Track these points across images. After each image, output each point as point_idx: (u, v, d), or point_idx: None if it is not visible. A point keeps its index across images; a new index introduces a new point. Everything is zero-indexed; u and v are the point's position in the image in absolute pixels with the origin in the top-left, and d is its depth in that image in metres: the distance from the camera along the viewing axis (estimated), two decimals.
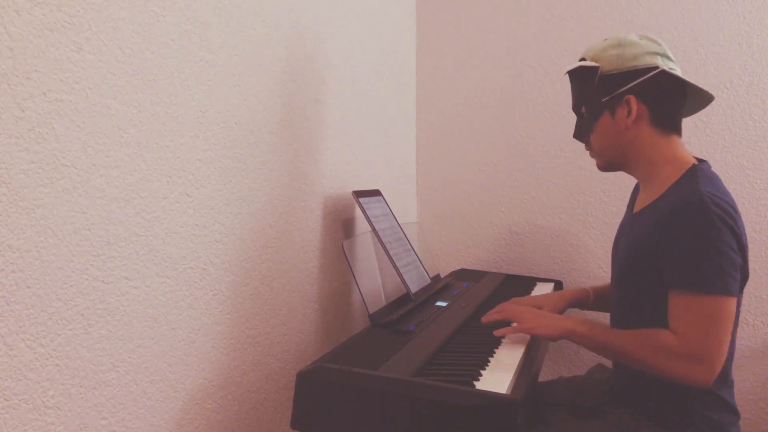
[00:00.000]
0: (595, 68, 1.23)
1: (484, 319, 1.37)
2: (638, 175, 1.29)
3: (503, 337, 1.29)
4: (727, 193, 1.15)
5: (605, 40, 1.27)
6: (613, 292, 1.32)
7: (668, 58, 1.22)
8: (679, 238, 1.09)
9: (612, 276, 1.33)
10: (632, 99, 1.20)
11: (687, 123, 1.27)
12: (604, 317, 1.84)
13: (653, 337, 1.11)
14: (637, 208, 1.29)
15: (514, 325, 1.29)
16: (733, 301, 1.09)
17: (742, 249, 1.11)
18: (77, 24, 0.86)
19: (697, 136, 1.98)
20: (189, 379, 1.11)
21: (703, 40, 1.97)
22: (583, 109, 1.29)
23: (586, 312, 1.63)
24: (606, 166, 1.31)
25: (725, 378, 1.17)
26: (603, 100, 1.23)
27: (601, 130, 1.26)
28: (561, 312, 1.55)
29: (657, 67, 1.19)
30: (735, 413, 1.19)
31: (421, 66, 2.30)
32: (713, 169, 1.23)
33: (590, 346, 1.20)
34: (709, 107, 1.84)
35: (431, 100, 2.29)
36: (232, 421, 1.24)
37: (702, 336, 1.07)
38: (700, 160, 1.24)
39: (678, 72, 1.22)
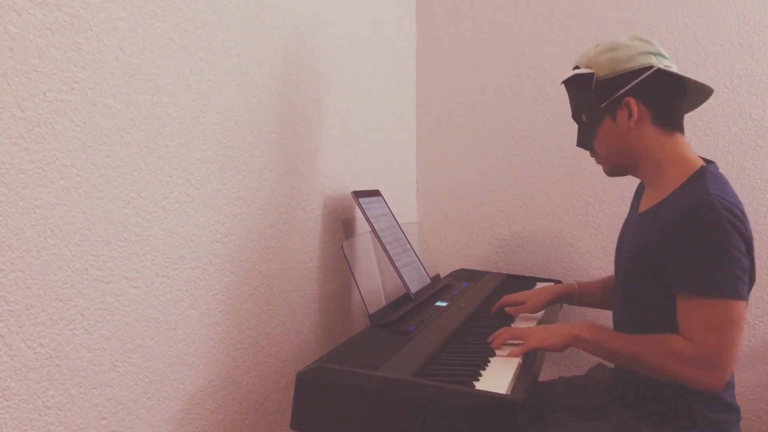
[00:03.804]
0: (590, 75, 1.22)
1: (495, 345, 1.27)
2: (645, 176, 1.27)
3: None
4: (735, 196, 1.14)
5: (597, 45, 1.26)
6: (616, 293, 1.31)
7: (662, 56, 1.21)
8: (688, 241, 1.08)
9: (615, 277, 1.33)
10: (632, 101, 1.19)
11: (687, 123, 1.27)
12: (594, 313, 1.84)
13: (665, 343, 1.09)
14: (642, 208, 1.28)
15: (522, 343, 1.23)
16: (744, 304, 1.07)
17: (750, 252, 1.10)
18: (77, 24, 0.86)
19: (698, 136, 1.98)
20: (189, 379, 1.11)
21: (703, 40, 1.97)
22: (584, 117, 1.28)
23: (579, 309, 1.63)
24: (613, 170, 1.29)
25: None
26: (602, 105, 1.22)
27: (604, 135, 1.24)
28: (546, 305, 1.56)
29: (652, 66, 1.18)
30: (736, 413, 1.18)
31: (421, 66, 2.30)
32: None
33: (596, 352, 1.17)
34: (708, 107, 1.83)
35: (431, 100, 2.29)
36: (232, 421, 1.24)
37: (715, 341, 1.05)
38: (708, 161, 1.22)
39: (674, 68, 1.20)
